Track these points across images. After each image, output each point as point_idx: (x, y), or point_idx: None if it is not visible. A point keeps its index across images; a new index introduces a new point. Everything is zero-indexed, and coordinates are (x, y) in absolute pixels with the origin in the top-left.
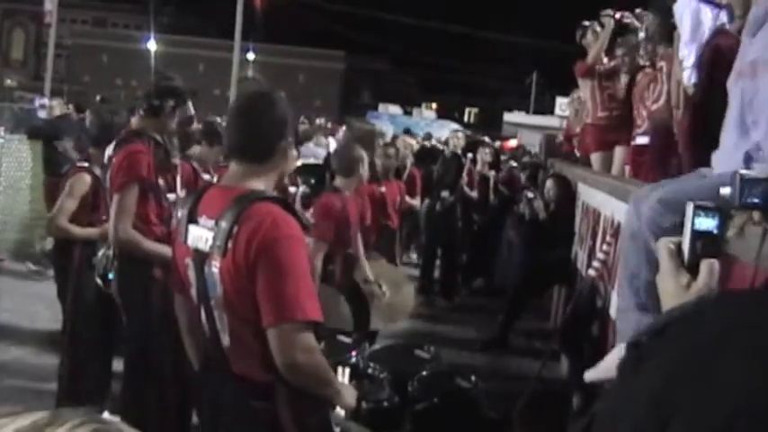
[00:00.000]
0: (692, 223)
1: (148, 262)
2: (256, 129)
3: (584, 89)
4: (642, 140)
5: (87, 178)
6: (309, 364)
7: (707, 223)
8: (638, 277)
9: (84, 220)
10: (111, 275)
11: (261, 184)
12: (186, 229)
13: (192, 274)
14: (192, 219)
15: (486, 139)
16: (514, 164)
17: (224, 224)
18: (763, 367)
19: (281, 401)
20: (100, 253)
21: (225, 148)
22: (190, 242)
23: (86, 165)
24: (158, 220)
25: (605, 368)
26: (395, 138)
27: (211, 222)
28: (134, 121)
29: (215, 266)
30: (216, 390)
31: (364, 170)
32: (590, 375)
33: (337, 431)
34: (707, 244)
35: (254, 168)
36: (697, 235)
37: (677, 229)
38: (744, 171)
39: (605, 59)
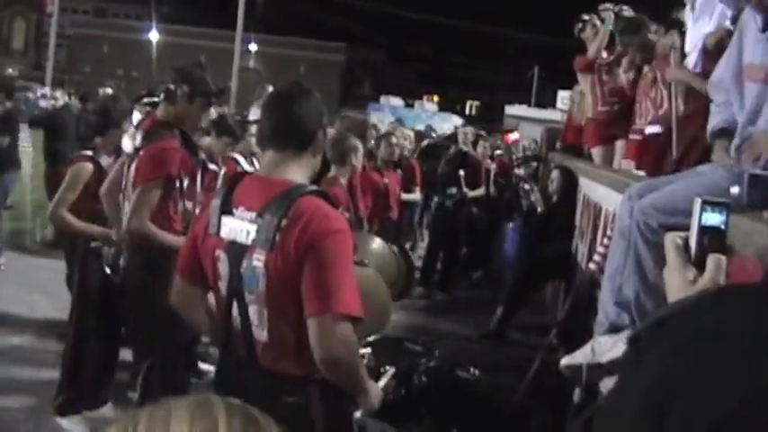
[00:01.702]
0: (700, 218)
1: (160, 253)
2: (298, 117)
3: (584, 84)
4: (652, 129)
5: (89, 167)
6: (347, 358)
7: (714, 218)
8: (621, 274)
9: (87, 209)
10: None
11: (299, 174)
12: (219, 221)
13: (223, 267)
14: (226, 210)
15: (483, 133)
16: (499, 151)
17: (270, 217)
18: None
19: (314, 397)
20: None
21: (261, 137)
22: (224, 234)
23: (90, 154)
24: (178, 217)
25: (580, 354)
26: (393, 129)
27: (251, 214)
28: (158, 110)
29: (258, 260)
30: (243, 386)
31: (357, 160)
32: (565, 362)
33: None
34: (714, 239)
35: (293, 157)
36: (704, 230)
37: (664, 229)
38: (752, 170)
39: (605, 54)
